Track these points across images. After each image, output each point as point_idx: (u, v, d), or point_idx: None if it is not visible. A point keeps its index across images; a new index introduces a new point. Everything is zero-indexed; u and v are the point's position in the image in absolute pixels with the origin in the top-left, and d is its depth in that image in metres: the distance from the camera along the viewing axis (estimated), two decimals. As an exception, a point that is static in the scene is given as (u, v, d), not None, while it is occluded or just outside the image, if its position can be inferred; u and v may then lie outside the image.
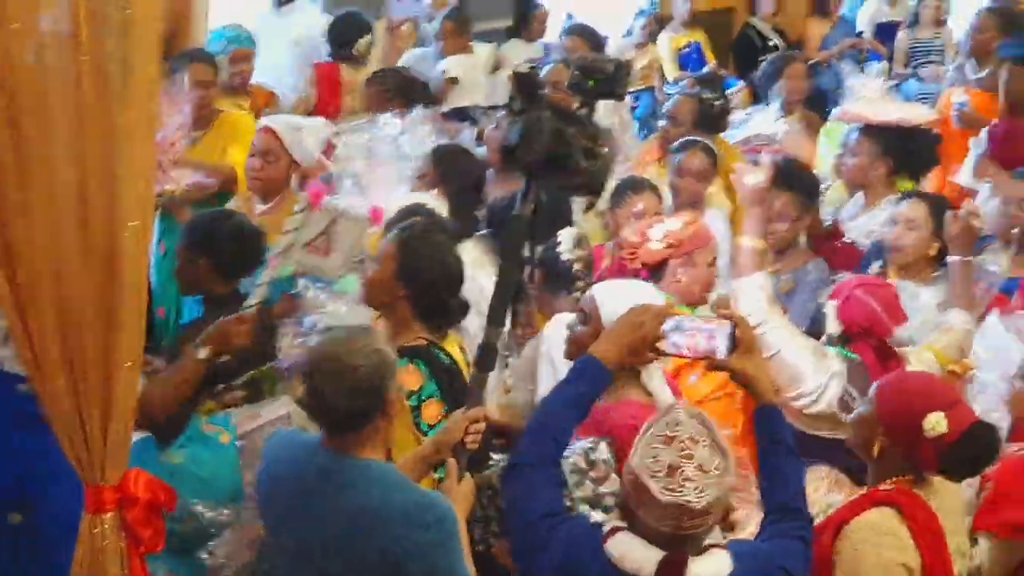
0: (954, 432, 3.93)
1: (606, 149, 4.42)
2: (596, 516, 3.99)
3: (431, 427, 4.41)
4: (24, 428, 4.47)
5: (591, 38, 8.76)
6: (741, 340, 3.77)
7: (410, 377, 4.45)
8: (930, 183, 7.83)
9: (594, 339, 4.07)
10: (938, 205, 5.99)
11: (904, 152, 7.03)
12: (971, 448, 3.98)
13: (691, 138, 7.14)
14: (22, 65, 3.39)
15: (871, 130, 7.09)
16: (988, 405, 4.81)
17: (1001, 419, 4.72)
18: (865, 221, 6.77)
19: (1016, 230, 6.09)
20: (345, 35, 8.79)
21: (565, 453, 3.89)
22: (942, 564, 3.92)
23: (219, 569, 4.79)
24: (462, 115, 8.20)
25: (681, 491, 3.23)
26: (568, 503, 3.79)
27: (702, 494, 3.23)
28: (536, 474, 3.66)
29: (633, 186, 6.44)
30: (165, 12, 6.53)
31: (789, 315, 5.65)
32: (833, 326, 5.08)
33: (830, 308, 5.13)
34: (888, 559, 3.86)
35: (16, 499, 4.63)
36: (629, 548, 3.36)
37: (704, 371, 4.69)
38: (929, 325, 5.43)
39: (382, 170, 6.00)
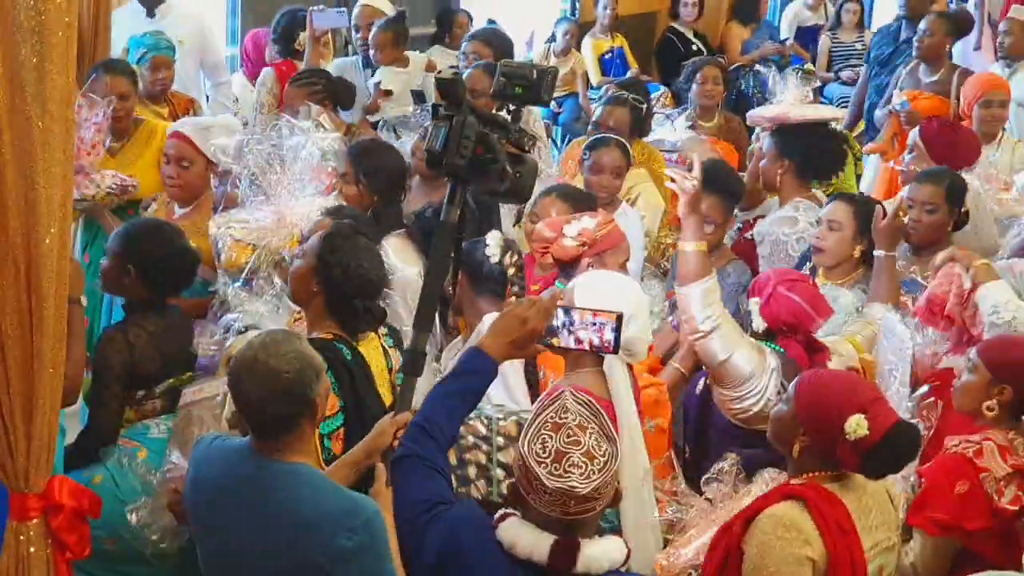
0: (875, 433, 3.93)
1: (532, 155, 4.47)
2: (482, 486, 4.20)
3: (327, 418, 4.38)
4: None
5: (498, 44, 8.72)
6: None
7: None
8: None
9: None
10: (864, 206, 6.03)
11: (807, 152, 7.06)
12: (892, 449, 3.98)
13: (605, 135, 7.16)
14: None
15: (775, 132, 7.18)
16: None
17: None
18: (766, 223, 6.83)
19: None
20: (289, 32, 8.77)
21: (498, 415, 4.05)
22: (850, 557, 3.92)
23: (143, 529, 4.75)
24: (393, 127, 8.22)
25: (567, 477, 3.26)
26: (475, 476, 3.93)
27: (588, 480, 3.25)
28: (421, 465, 3.68)
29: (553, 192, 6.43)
30: (80, 19, 6.54)
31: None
32: (757, 323, 5.08)
33: (753, 306, 5.12)
34: (791, 552, 3.87)
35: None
36: (520, 533, 3.36)
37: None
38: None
39: (286, 174, 5.98)
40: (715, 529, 4.30)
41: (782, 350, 5.05)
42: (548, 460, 3.28)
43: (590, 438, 3.29)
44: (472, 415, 4.13)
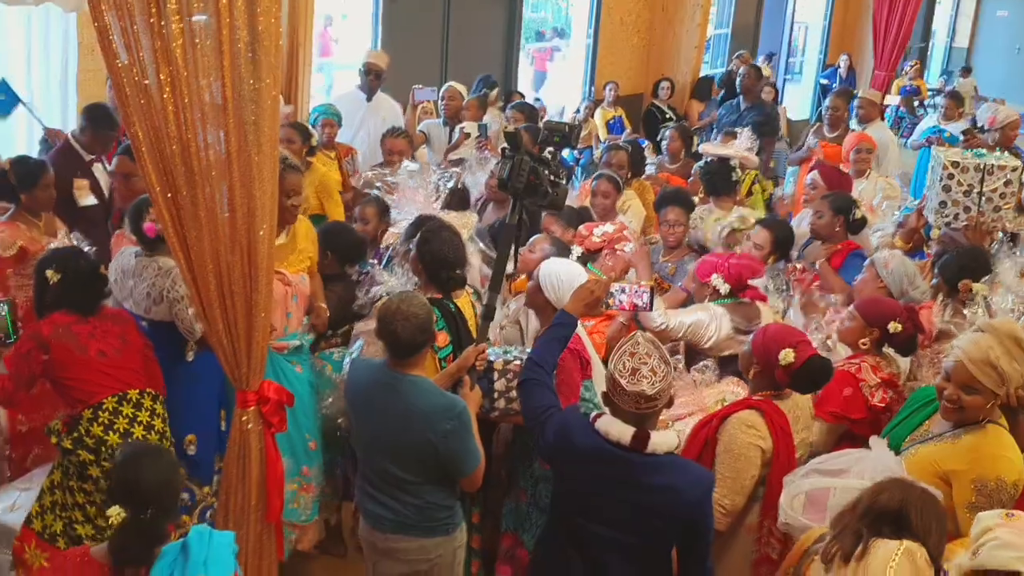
0: (798, 361, 4.01)
1: (564, 181, 4.62)
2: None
3: (440, 348, 4.45)
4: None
5: (528, 111, 8.82)
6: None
7: None
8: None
9: (536, 293, 4.44)
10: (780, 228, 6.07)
11: (710, 177, 7.11)
12: (810, 372, 4.06)
13: (601, 171, 7.14)
14: (192, 127, 3.48)
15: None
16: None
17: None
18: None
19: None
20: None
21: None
22: (787, 449, 3.98)
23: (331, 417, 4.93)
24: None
25: (639, 384, 3.38)
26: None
27: (653, 386, 3.38)
28: (537, 385, 3.77)
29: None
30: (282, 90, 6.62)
31: (672, 288, 5.88)
32: (724, 288, 5.11)
33: (716, 279, 5.12)
34: (750, 442, 3.94)
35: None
36: (612, 424, 3.45)
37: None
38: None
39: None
40: (693, 403, 4.48)
41: (734, 300, 5.13)
42: (627, 374, 3.41)
43: (653, 360, 3.41)
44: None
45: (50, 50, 7.17)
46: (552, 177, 4.45)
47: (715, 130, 10.36)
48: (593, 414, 3.57)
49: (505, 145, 4.52)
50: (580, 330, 4.46)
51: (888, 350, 4.71)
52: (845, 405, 4.48)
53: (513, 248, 4.72)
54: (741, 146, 7.55)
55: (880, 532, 2.93)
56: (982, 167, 5.76)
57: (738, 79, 10.81)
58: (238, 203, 3.61)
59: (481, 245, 5.74)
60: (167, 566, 2.89)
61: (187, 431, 4.74)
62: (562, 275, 4.44)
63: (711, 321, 5.05)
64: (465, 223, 5.65)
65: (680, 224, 6.30)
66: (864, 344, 4.65)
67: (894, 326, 4.58)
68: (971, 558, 2.94)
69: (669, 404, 3.55)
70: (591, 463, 3.48)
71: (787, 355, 4.00)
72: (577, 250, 5.53)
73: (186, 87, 3.44)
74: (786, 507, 3.62)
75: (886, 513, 2.96)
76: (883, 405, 4.49)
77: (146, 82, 3.42)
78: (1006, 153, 6.08)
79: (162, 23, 3.35)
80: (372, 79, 8.54)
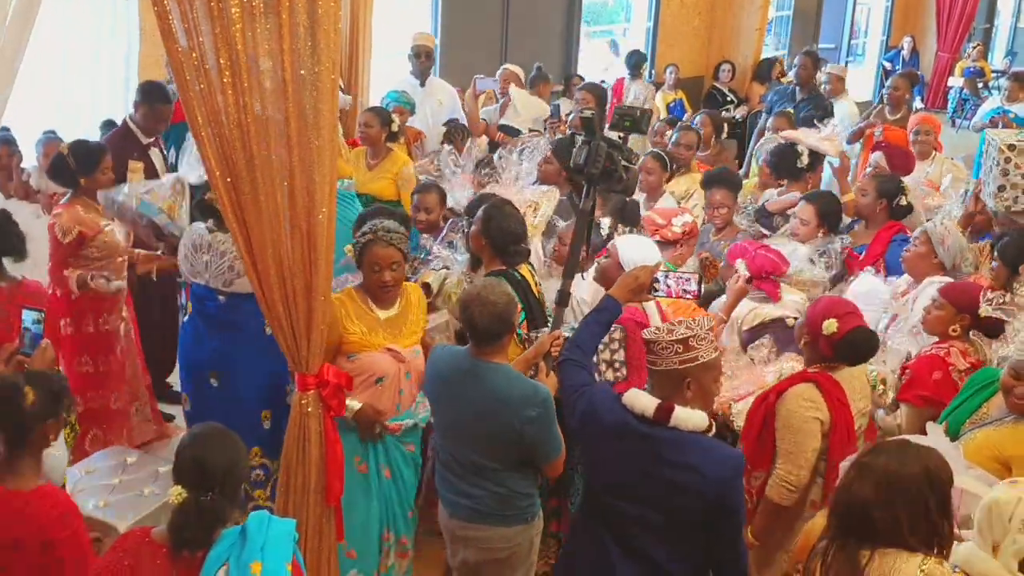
0: (841, 331, 3.97)
1: (635, 166, 4.55)
2: (609, 375, 4.28)
3: None
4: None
5: (598, 93, 8.68)
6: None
7: None
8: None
9: (614, 270, 4.32)
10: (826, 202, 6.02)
11: (775, 160, 7.02)
12: (852, 343, 4.01)
13: (653, 150, 7.10)
14: (252, 112, 3.46)
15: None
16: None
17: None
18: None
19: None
20: None
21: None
22: (844, 420, 3.94)
23: None
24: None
25: (676, 331, 3.38)
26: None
27: (690, 329, 3.37)
28: (574, 365, 3.74)
29: None
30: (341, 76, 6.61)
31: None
32: (745, 274, 5.04)
33: (739, 264, 5.08)
34: (808, 415, 3.92)
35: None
36: (638, 397, 3.41)
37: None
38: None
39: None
40: (753, 382, 4.43)
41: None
42: (664, 332, 3.40)
43: (687, 320, 3.48)
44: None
45: (115, 37, 7.21)
46: (625, 162, 4.38)
47: (766, 115, 10.13)
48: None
49: (579, 131, 4.48)
50: (652, 315, 4.42)
51: (975, 336, 4.60)
52: (936, 389, 4.40)
53: (587, 232, 4.64)
54: (823, 134, 7.38)
55: (851, 536, 2.84)
56: None
57: (794, 69, 10.52)
58: (297, 188, 3.58)
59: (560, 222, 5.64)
60: (225, 550, 2.86)
61: (263, 407, 4.79)
62: (635, 253, 4.41)
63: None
64: (549, 197, 5.62)
65: (725, 206, 6.24)
66: (955, 331, 4.55)
67: (985, 307, 4.47)
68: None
69: (710, 376, 3.46)
70: (617, 439, 3.45)
71: (830, 325, 3.99)
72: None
73: (246, 71, 3.41)
74: None
75: (851, 518, 2.86)
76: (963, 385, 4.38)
77: (206, 66, 3.41)
78: (1060, 132, 5.90)
79: (221, 6, 3.33)
80: (423, 61, 8.47)
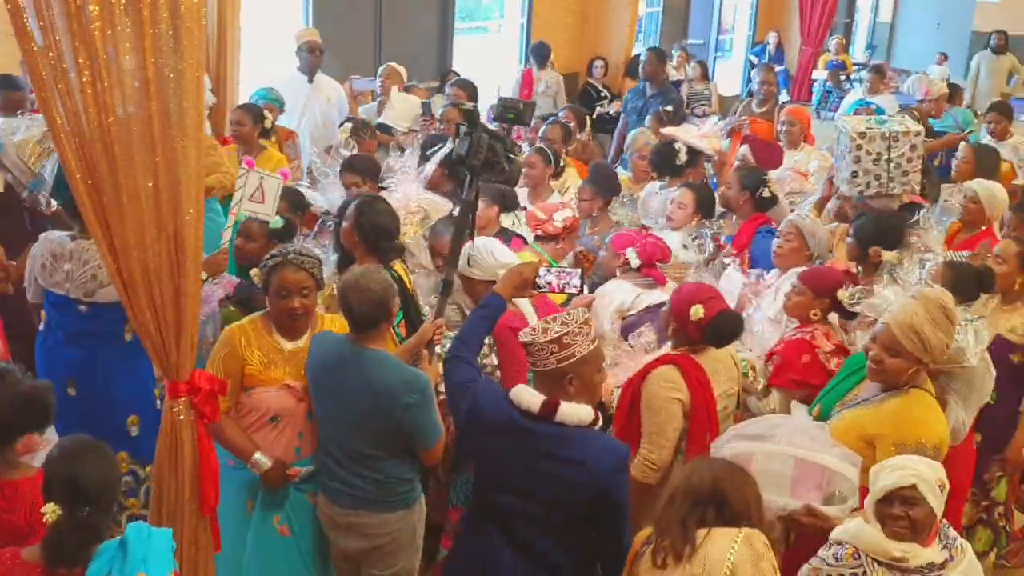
0: (707, 316, 4.11)
1: (517, 158, 4.57)
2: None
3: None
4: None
5: (470, 88, 8.70)
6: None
7: None
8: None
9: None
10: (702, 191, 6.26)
11: (657, 159, 7.15)
12: (718, 327, 4.15)
13: (537, 145, 7.22)
14: (113, 111, 3.34)
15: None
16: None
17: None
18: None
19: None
20: None
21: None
22: (706, 401, 4.08)
23: None
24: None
25: (550, 328, 3.41)
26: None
27: (565, 327, 3.40)
28: (461, 362, 3.75)
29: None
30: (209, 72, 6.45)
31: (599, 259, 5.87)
32: (635, 262, 5.17)
33: (630, 252, 5.20)
34: (668, 395, 4.04)
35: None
36: (523, 393, 3.43)
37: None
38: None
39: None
40: (632, 368, 4.51)
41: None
42: (540, 331, 3.43)
43: (563, 315, 3.46)
44: None
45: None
46: (508, 154, 4.39)
47: (623, 114, 10.23)
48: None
49: (461, 123, 4.51)
50: (528, 312, 4.43)
51: (832, 319, 4.78)
52: (805, 372, 4.56)
53: (471, 225, 4.67)
54: (702, 132, 7.52)
55: (704, 518, 2.95)
56: (888, 135, 5.87)
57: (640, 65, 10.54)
58: (163, 189, 3.48)
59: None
60: (105, 564, 2.77)
61: (128, 412, 4.70)
62: (484, 252, 4.48)
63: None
64: (439, 209, 5.59)
65: (590, 199, 6.42)
66: (815, 315, 4.70)
67: (842, 293, 4.60)
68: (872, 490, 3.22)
69: (590, 372, 3.48)
70: (503, 433, 3.47)
71: (697, 310, 4.12)
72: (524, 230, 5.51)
73: (106, 70, 3.29)
74: None
75: (702, 495, 2.99)
76: (839, 370, 4.52)
77: (64, 66, 3.27)
78: (906, 119, 6.16)
79: (79, 3, 3.20)
80: (315, 56, 8.34)
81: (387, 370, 3.87)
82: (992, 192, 6.15)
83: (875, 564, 3.18)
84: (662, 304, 4.95)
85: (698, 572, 2.90)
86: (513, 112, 4.58)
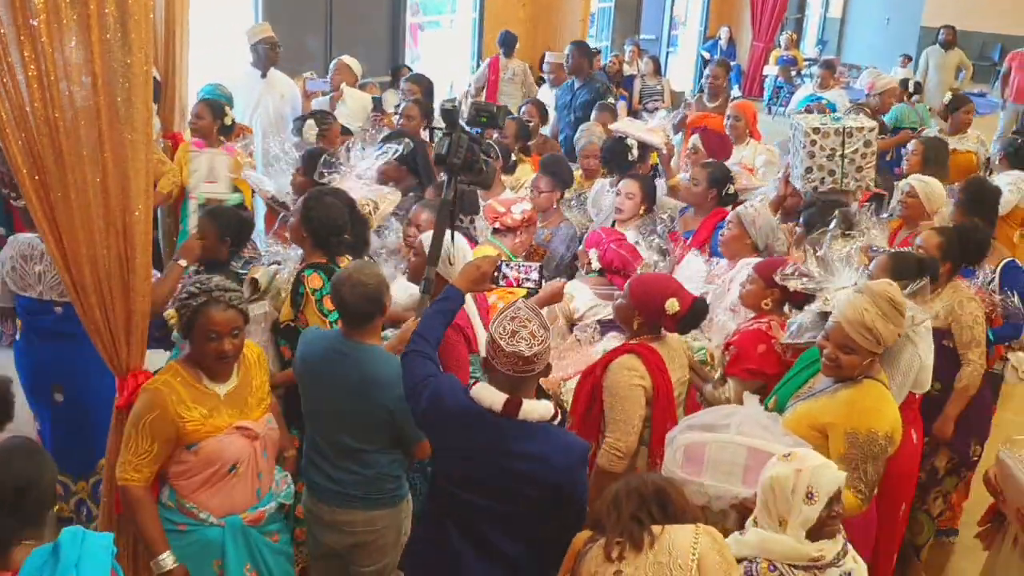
0: (683, 308, 4.15)
1: (493, 160, 4.58)
2: None
3: (330, 311, 4.34)
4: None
5: (424, 83, 8.63)
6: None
7: (316, 280, 4.45)
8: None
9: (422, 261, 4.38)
10: (647, 182, 6.28)
11: (607, 155, 7.09)
12: (693, 316, 4.21)
13: (487, 141, 6.98)
14: (60, 104, 3.32)
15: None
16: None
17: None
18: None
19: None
20: None
21: None
22: (665, 387, 4.10)
23: None
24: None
25: (518, 345, 3.34)
26: None
27: (531, 349, 3.33)
28: (419, 356, 3.67)
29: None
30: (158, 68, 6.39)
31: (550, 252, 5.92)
32: (596, 264, 5.20)
33: (592, 254, 5.22)
34: (631, 383, 4.06)
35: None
36: (485, 390, 3.39)
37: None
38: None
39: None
40: (581, 362, 4.52)
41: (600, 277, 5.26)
42: (507, 336, 3.34)
43: (532, 324, 3.36)
44: None
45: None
46: (484, 156, 4.45)
47: (556, 112, 10.21)
48: (471, 382, 3.53)
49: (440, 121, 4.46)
50: (469, 306, 4.43)
51: (786, 309, 4.79)
52: (761, 361, 4.55)
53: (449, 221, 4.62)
54: (649, 125, 7.53)
55: (652, 515, 3.00)
56: (842, 131, 5.96)
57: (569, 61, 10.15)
58: (111, 184, 3.47)
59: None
60: (36, 570, 2.67)
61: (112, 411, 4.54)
62: (462, 253, 4.43)
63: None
64: (388, 199, 5.56)
65: (549, 191, 6.36)
66: (767, 304, 4.72)
67: (777, 274, 4.66)
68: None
69: (546, 372, 3.50)
70: (463, 429, 3.43)
71: (672, 304, 4.14)
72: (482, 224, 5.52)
73: (52, 64, 3.27)
74: (667, 461, 3.69)
75: (646, 495, 3.02)
76: (794, 360, 4.53)
77: (9, 60, 3.25)
78: (861, 115, 6.24)
79: (22, -5, 3.18)
80: (271, 52, 8.25)
81: (382, 364, 3.86)
82: (930, 186, 6.21)
83: (792, 570, 3.19)
84: (611, 321, 4.99)
85: (664, 560, 2.91)
86: (486, 115, 4.56)
